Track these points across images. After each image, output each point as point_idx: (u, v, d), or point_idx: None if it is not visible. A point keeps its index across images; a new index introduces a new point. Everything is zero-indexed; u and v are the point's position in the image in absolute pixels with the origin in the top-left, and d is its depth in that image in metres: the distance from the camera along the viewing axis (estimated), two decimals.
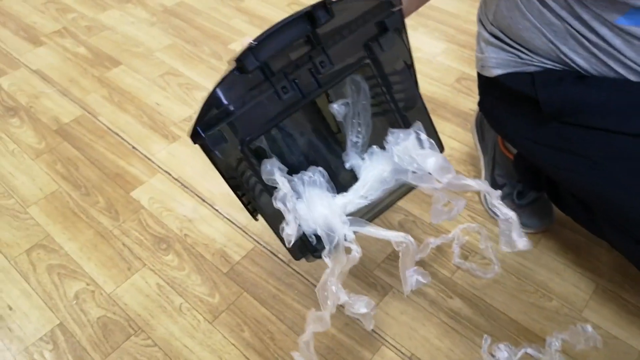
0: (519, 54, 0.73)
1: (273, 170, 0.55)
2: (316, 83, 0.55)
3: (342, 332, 0.84)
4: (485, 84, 0.84)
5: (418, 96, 0.63)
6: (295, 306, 0.87)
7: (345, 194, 0.61)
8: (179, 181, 1.09)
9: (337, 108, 0.63)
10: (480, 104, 0.89)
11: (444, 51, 1.40)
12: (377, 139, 0.64)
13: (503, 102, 0.81)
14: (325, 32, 0.53)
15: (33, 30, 1.53)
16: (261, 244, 0.97)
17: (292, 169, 0.60)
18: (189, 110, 1.25)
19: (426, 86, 1.28)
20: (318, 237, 0.59)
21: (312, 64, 0.53)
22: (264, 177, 0.56)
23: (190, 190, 1.07)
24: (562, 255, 0.93)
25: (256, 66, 0.50)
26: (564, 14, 0.64)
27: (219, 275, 0.92)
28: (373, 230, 0.59)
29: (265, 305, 0.88)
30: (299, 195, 0.59)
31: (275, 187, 0.56)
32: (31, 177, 1.10)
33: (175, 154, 1.14)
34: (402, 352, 0.81)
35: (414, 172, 0.60)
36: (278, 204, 0.55)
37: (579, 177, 0.71)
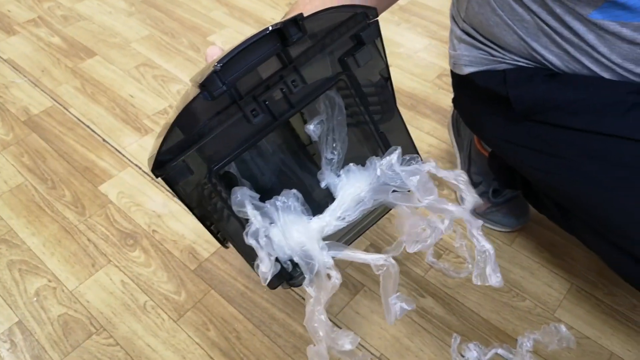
0: (491, 51, 0.71)
1: (244, 202, 0.51)
2: (288, 104, 0.50)
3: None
4: (459, 81, 0.82)
5: (395, 109, 0.60)
6: (263, 304, 0.85)
7: (321, 216, 0.57)
8: (149, 175, 1.06)
9: (312, 129, 0.58)
10: (454, 101, 0.87)
11: (426, 47, 1.38)
12: (352, 155, 0.60)
13: (475, 100, 0.79)
14: (297, 49, 0.49)
15: (7, 19, 1.48)
16: None
17: (264, 192, 0.56)
18: (164, 102, 1.22)
19: (407, 82, 1.26)
20: (294, 263, 0.55)
21: (283, 84, 0.49)
22: (234, 208, 0.52)
23: (161, 185, 1.04)
24: (537, 254, 0.92)
25: (223, 91, 0.45)
26: (535, 8, 0.62)
27: (186, 272, 0.90)
28: (352, 254, 0.55)
29: (232, 304, 0.85)
30: (272, 222, 0.55)
31: (247, 218, 0.52)
32: None
33: (146, 147, 1.11)
34: (371, 352, 0.79)
35: (394, 191, 0.56)
36: (250, 240, 0.51)
37: (551, 176, 0.70)
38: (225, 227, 0.53)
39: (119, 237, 0.95)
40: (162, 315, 0.84)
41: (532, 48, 0.66)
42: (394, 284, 0.56)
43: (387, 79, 0.57)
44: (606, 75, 0.64)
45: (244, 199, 0.51)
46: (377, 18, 0.53)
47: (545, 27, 0.63)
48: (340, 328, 0.60)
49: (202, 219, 0.53)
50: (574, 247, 0.92)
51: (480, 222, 0.57)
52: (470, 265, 0.87)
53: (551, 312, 0.84)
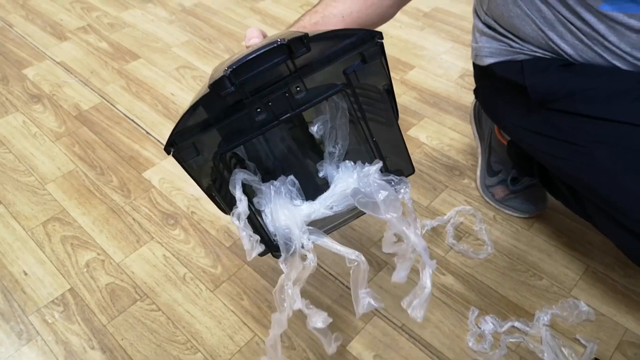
0: (510, 42, 0.76)
1: (235, 185, 0.57)
2: (290, 106, 0.55)
3: (337, 303, 0.87)
4: (479, 73, 0.87)
5: (394, 119, 0.63)
6: (281, 269, 0.91)
7: (312, 202, 0.63)
8: None
9: (315, 130, 0.64)
10: (475, 92, 0.93)
11: (449, 50, 1.44)
12: (353, 156, 0.65)
13: (495, 90, 0.84)
14: (303, 60, 0.54)
15: (59, 26, 1.61)
16: None
17: (269, 173, 0.63)
18: None
19: (430, 82, 1.33)
20: None
21: (287, 89, 0.54)
22: (230, 188, 0.58)
23: None
24: (554, 238, 0.96)
25: (230, 92, 0.50)
26: (552, 0, 0.68)
27: (222, 249, 0.97)
28: (329, 244, 0.60)
29: (264, 277, 0.92)
30: (266, 202, 0.62)
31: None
32: (50, 158, 1.17)
33: None
34: (393, 322, 0.84)
35: (362, 198, 0.60)
36: (234, 220, 0.57)
37: (566, 162, 0.73)
38: (225, 201, 0.60)
39: (161, 217, 1.03)
40: (200, 285, 0.91)
41: (549, 38, 0.71)
42: (363, 279, 0.61)
43: (390, 92, 0.61)
44: (617, 62, 0.68)
45: (237, 182, 0.57)
46: (382, 40, 0.57)
47: (561, 18, 0.69)
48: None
49: (207, 190, 0.60)
50: (591, 233, 0.95)
51: (434, 263, 0.61)
52: (489, 248, 0.93)
53: (567, 290, 0.88)
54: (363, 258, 0.59)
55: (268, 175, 0.63)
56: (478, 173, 1.04)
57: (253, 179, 0.60)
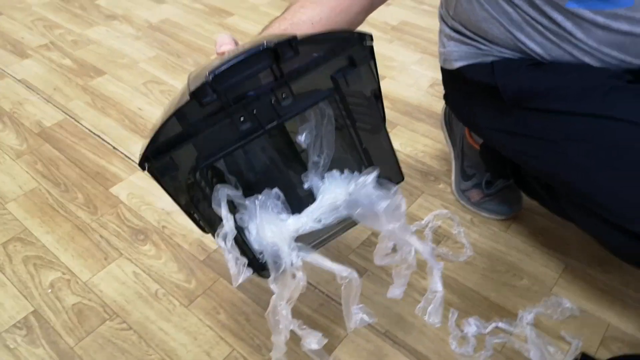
0: (479, 45, 0.77)
1: (220, 203, 0.53)
2: (276, 114, 0.52)
3: (317, 312, 0.84)
4: (449, 77, 0.87)
5: (382, 126, 0.61)
6: (271, 290, 0.88)
7: (299, 216, 0.59)
8: None
9: (302, 139, 0.60)
10: (445, 97, 0.93)
11: (418, 61, 1.46)
12: (338, 164, 0.62)
13: (465, 93, 0.84)
14: (290, 65, 0.50)
15: (20, 44, 1.56)
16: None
17: (251, 187, 0.59)
18: None
19: (401, 91, 1.33)
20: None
21: (273, 96, 0.51)
22: (213, 206, 0.54)
23: None
24: (531, 238, 0.96)
25: (212, 100, 0.47)
26: (517, 1, 0.69)
27: (195, 263, 0.93)
28: (320, 260, 0.57)
29: (241, 290, 0.88)
30: (250, 218, 0.58)
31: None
32: (11, 176, 1.11)
33: None
34: (376, 329, 0.82)
35: (361, 210, 0.57)
36: (219, 242, 0.53)
37: (540, 160, 0.73)
38: (204, 219, 0.56)
39: (130, 233, 0.99)
40: (173, 301, 0.87)
41: (517, 39, 0.72)
42: (355, 295, 0.58)
43: (378, 98, 0.59)
44: (586, 59, 0.69)
45: (221, 199, 0.53)
46: (373, 43, 0.55)
47: (528, 18, 0.69)
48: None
49: (185, 208, 0.55)
50: (566, 232, 0.96)
51: (441, 264, 0.60)
52: (468, 250, 0.92)
53: (548, 289, 0.87)
54: (356, 275, 0.57)
55: (249, 190, 0.59)
56: (453, 178, 1.04)
57: (236, 194, 0.56)
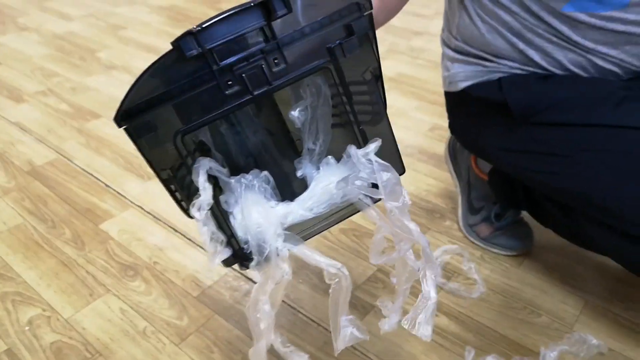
0: (484, 62, 0.76)
1: (199, 172, 0.49)
2: (266, 80, 0.48)
3: (321, 351, 0.77)
4: (454, 102, 0.86)
5: (384, 112, 0.57)
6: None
7: (289, 203, 0.55)
8: (151, 214, 1.05)
9: (297, 115, 0.56)
10: (450, 125, 0.91)
11: (417, 107, 1.46)
12: (335, 150, 0.58)
13: (473, 116, 0.83)
14: (284, 28, 0.48)
15: (17, 90, 1.56)
16: (235, 270, 0.92)
17: (239, 170, 0.55)
18: None
19: (401, 134, 1.32)
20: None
21: (264, 60, 0.47)
22: (193, 177, 0.49)
23: (163, 222, 1.03)
24: (546, 275, 0.90)
25: (197, 53, 0.44)
26: (515, 8, 0.69)
27: (188, 299, 0.86)
28: (307, 253, 0.51)
29: (237, 327, 0.81)
30: (235, 201, 0.53)
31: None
32: None
33: (149, 191, 1.12)
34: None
35: (360, 179, 0.52)
36: (193, 213, 0.48)
37: (555, 177, 0.71)
38: (190, 196, 0.50)
39: (118, 269, 0.92)
40: (162, 339, 0.79)
41: (519, 47, 0.72)
42: (345, 300, 0.52)
43: (379, 77, 0.55)
44: (589, 56, 0.69)
45: (201, 169, 0.49)
46: (371, 10, 0.52)
47: (527, 24, 0.70)
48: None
49: (165, 182, 0.51)
50: (582, 267, 0.91)
51: (437, 265, 0.55)
52: (481, 286, 0.86)
53: (569, 326, 0.81)
54: (346, 271, 0.50)
55: (237, 173, 0.54)
56: (460, 213, 1.00)
57: (220, 170, 0.51)
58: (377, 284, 0.89)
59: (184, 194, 0.51)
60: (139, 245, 0.97)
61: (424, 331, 0.52)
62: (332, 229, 1.01)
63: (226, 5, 2.31)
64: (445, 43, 0.83)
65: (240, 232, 0.51)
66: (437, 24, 2.17)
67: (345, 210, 0.56)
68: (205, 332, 0.80)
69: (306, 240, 0.53)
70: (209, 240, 0.48)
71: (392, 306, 0.61)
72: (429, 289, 0.52)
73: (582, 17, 0.66)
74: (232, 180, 0.53)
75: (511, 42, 0.72)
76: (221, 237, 0.50)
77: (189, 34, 0.43)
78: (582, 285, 0.88)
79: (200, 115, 0.47)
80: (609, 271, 0.91)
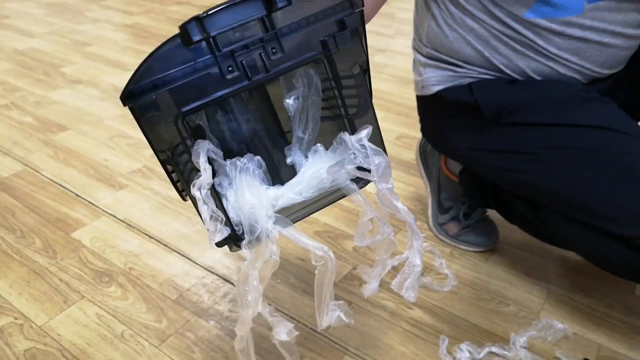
0: (455, 68, 0.81)
1: (199, 153, 0.51)
2: (264, 68, 0.52)
3: (302, 346, 0.78)
4: (426, 105, 0.90)
5: (370, 104, 0.61)
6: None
7: (279, 186, 0.58)
8: (124, 222, 1.05)
9: (291, 103, 0.60)
10: (422, 128, 0.96)
11: (383, 118, 1.51)
12: (323, 140, 0.61)
13: (445, 118, 0.87)
14: (282, 20, 0.51)
15: None
16: (213, 273, 0.92)
17: (231, 156, 0.57)
18: (138, 164, 1.25)
19: None
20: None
21: (262, 49, 0.51)
22: (193, 159, 0.52)
23: (137, 229, 1.03)
24: (512, 268, 0.95)
25: (201, 38, 0.47)
26: (481, 15, 0.75)
27: (166, 302, 0.86)
28: (296, 235, 0.54)
29: (217, 327, 0.81)
30: (230, 181, 0.56)
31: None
32: None
33: (121, 200, 1.12)
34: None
35: (352, 163, 0.55)
36: (194, 192, 0.51)
37: (523, 174, 0.75)
38: (185, 177, 0.53)
39: (93, 275, 0.91)
40: (142, 342, 0.79)
41: (486, 54, 0.77)
42: (330, 281, 0.55)
43: (366, 71, 0.60)
44: (552, 64, 0.74)
45: (201, 150, 0.51)
46: (362, 8, 0.56)
47: (493, 31, 0.75)
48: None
49: (163, 163, 0.53)
50: (544, 261, 0.96)
51: (422, 236, 0.59)
52: (452, 280, 0.90)
53: (535, 314, 0.85)
54: (332, 254, 0.53)
55: (230, 157, 0.57)
56: (429, 213, 1.05)
57: (217, 153, 0.53)
58: (354, 281, 0.91)
59: (180, 175, 0.53)
60: (113, 252, 0.97)
61: (411, 294, 0.55)
62: (307, 230, 1.04)
63: None
64: (416, 50, 0.88)
65: (232, 214, 0.53)
66: (398, 42, 2.26)
67: (332, 196, 0.59)
68: (185, 334, 0.80)
69: (295, 222, 0.56)
70: (209, 219, 0.50)
71: (372, 272, 0.64)
72: (415, 258, 0.55)
73: (543, 22, 0.71)
74: (228, 162, 0.55)
75: (478, 50, 0.77)
76: (221, 215, 0.51)
77: (195, 19, 0.46)
78: (545, 277, 0.93)
79: (201, 98, 0.50)
80: (569, 263, 0.96)
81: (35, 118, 1.45)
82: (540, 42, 0.73)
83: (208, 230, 0.50)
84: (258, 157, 0.57)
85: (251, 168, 0.55)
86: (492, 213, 1.00)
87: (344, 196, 0.59)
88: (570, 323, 0.83)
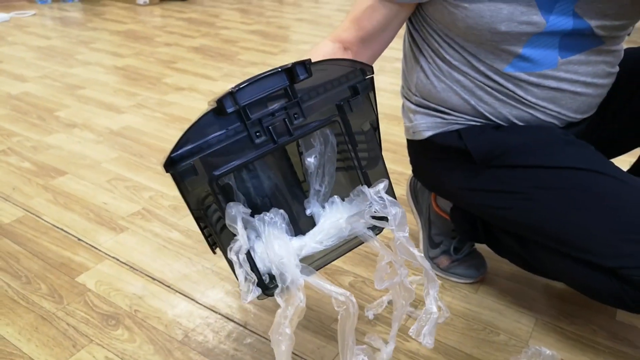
0: (443, 115, 0.88)
1: (236, 218, 0.57)
2: (288, 132, 0.58)
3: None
4: (417, 148, 0.97)
5: (380, 157, 0.68)
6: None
7: (302, 237, 0.63)
8: (127, 264, 1.08)
9: (312, 161, 0.65)
10: (413, 170, 1.02)
11: None
12: (338, 191, 0.67)
13: (436, 160, 0.93)
14: (302, 88, 0.58)
15: None
16: (216, 312, 0.96)
17: (256, 210, 0.63)
18: (137, 206, 1.29)
19: None
20: (271, 277, 0.60)
21: (286, 114, 0.57)
22: (227, 221, 0.57)
23: (140, 272, 1.06)
24: (501, 298, 1.01)
25: (234, 110, 0.53)
26: (466, 69, 0.82)
27: (173, 343, 0.89)
28: (320, 282, 0.58)
29: None
30: (258, 235, 0.61)
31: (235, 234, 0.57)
32: None
33: (123, 242, 1.15)
34: None
35: (370, 213, 0.60)
36: (231, 256, 0.56)
37: (511, 211, 0.81)
38: (217, 232, 0.59)
39: (99, 319, 0.94)
40: None
41: (471, 103, 0.84)
42: (352, 326, 0.59)
43: (376, 128, 0.67)
44: (532, 111, 0.82)
45: (237, 215, 0.57)
46: (373, 75, 0.64)
47: (477, 82, 0.82)
48: None
49: (197, 220, 0.59)
50: (532, 291, 1.02)
51: (438, 283, 0.64)
52: (445, 312, 0.95)
53: (525, 342, 0.90)
54: (353, 299, 0.58)
55: (255, 212, 0.62)
56: (421, 246, 1.10)
57: (246, 212, 0.59)
58: None
59: (212, 230, 0.58)
60: (118, 295, 1.00)
61: (428, 340, 0.60)
62: None
63: (182, 65, 2.42)
64: (405, 97, 0.95)
65: (260, 264, 0.59)
66: (382, 79, 2.36)
67: (350, 243, 0.65)
68: None
69: (317, 270, 0.61)
70: (244, 281, 0.54)
71: (390, 335, 0.69)
72: (432, 305, 0.60)
73: (522, 75, 0.78)
74: (257, 218, 0.60)
75: (464, 99, 0.84)
76: (254, 277, 0.56)
77: (229, 94, 0.52)
78: (532, 306, 0.99)
79: (234, 161, 0.56)
80: (554, 293, 1.02)
81: (32, 163, 1.49)
82: (520, 93, 0.80)
83: (241, 290, 0.55)
84: (282, 211, 0.62)
85: (278, 222, 0.60)
86: (480, 246, 1.06)
87: (361, 243, 0.65)
88: (557, 349, 0.89)
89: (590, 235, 0.73)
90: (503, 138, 0.82)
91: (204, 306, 0.97)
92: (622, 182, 0.75)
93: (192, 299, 0.99)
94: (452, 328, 0.93)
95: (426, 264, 0.61)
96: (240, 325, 0.93)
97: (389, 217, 0.60)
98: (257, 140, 0.56)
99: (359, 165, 0.64)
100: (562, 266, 0.79)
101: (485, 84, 0.81)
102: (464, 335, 0.92)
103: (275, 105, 0.57)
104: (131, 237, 1.17)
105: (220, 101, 0.53)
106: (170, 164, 0.53)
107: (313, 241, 0.61)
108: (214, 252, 0.65)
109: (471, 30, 0.76)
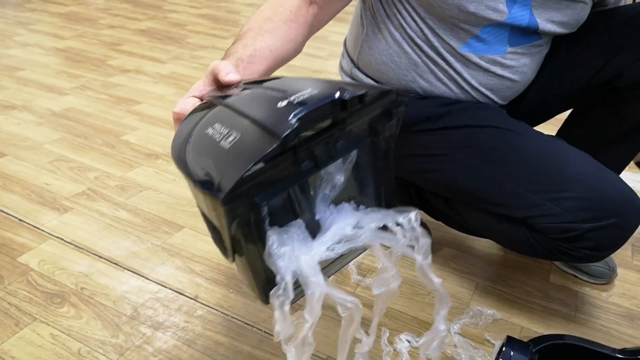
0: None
1: (285, 273, 0.52)
2: (329, 155, 0.56)
3: (258, 349, 0.83)
4: None
5: (392, 176, 0.67)
6: (206, 334, 0.86)
7: (313, 245, 0.60)
8: (72, 244, 1.05)
9: (340, 179, 0.61)
10: None
11: None
12: (346, 195, 0.64)
13: None
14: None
15: None
16: (167, 287, 0.95)
17: (272, 215, 0.59)
18: (82, 186, 1.25)
19: None
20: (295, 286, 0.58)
21: (330, 139, 0.54)
22: (266, 256, 0.54)
23: (86, 250, 1.04)
24: (445, 265, 1.05)
25: (295, 144, 0.49)
26: (419, 41, 0.83)
27: (121, 318, 0.88)
28: (330, 290, 0.56)
29: (174, 338, 0.85)
30: (284, 245, 0.57)
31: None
32: None
33: (67, 222, 1.12)
34: (318, 357, 0.82)
35: (403, 239, 0.58)
36: (275, 304, 0.51)
37: (435, 173, 0.86)
38: (242, 250, 0.55)
39: (43, 297, 0.92)
40: (99, 357, 0.80)
41: (409, 77, 0.86)
42: (353, 331, 0.59)
43: (392, 149, 0.66)
44: (467, 94, 0.86)
45: (287, 271, 0.52)
46: (407, 100, 0.64)
47: (424, 58, 0.84)
48: None
49: (212, 230, 0.54)
50: (472, 257, 1.07)
51: (449, 304, 0.64)
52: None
53: (466, 304, 0.95)
54: (361, 306, 0.58)
55: (271, 217, 0.59)
56: None
57: (280, 231, 0.56)
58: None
59: (236, 245, 0.54)
60: (63, 274, 0.97)
61: (435, 354, 0.62)
62: None
63: (128, 48, 2.35)
64: (342, 69, 0.97)
65: (287, 276, 0.55)
66: (332, 63, 2.38)
67: (357, 252, 0.64)
68: (142, 346, 0.83)
69: (328, 277, 0.61)
70: (282, 324, 0.52)
71: (370, 328, 0.69)
72: (440, 323, 0.61)
73: (474, 57, 0.82)
74: (284, 231, 0.58)
75: (404, 73, 0.86)
76: (289, 324, 0.53)
77: (293, 131, 0.47)
78: (472, 271, 1.04)
79: (278, 186, 0.53)
80: (493, 259, 1.08)
81: None
82: (466, 75, 0.83)
83: (276, 331, 0.52)
84: (299, 220, 0.60)
85: (301, 236, 0.59)
86: (425, 216, 1.10)
87: (365, 249, 0.63)
88: (495, 310, 0.94)
89: (501, 189, 0.79)
90: (427, 105, 0.86)
91: (154, 282, 0.97)
92: (526, 137, 0.80)
93: (141, 275, 0.98)
94: (399, 294, 0.97)
95: (442, 289, 0.63)
96: (191, 299, 0.93)
97: (415, 246, 0.59)
98: (302, 165, 0.53)
99: (375, 183, 0.64)
100: (484, 222, 0.85)
101: (434, 61, 0.84)
102: (409, 299, 0.96)
103: (322, 129, 0.53)
104: (76, 217, 1.14)
105: (286, 137, 0.47)
106: (228, 202, 0.47)
107: (324, 249, 0.58)
108: (231, 262, 0.58)
109: (439, 3, 0.78)
